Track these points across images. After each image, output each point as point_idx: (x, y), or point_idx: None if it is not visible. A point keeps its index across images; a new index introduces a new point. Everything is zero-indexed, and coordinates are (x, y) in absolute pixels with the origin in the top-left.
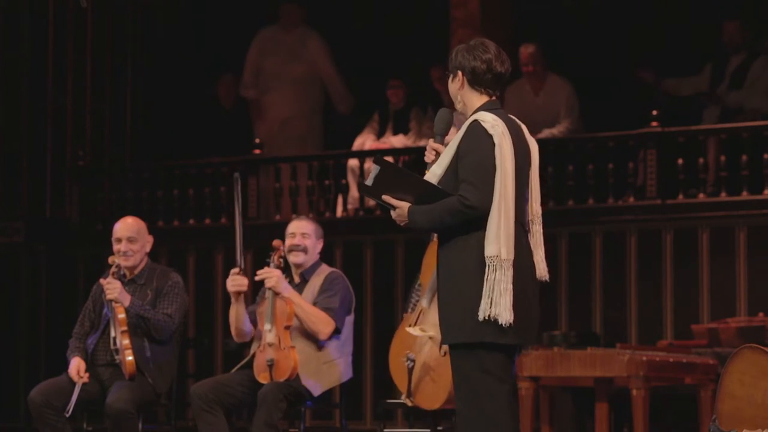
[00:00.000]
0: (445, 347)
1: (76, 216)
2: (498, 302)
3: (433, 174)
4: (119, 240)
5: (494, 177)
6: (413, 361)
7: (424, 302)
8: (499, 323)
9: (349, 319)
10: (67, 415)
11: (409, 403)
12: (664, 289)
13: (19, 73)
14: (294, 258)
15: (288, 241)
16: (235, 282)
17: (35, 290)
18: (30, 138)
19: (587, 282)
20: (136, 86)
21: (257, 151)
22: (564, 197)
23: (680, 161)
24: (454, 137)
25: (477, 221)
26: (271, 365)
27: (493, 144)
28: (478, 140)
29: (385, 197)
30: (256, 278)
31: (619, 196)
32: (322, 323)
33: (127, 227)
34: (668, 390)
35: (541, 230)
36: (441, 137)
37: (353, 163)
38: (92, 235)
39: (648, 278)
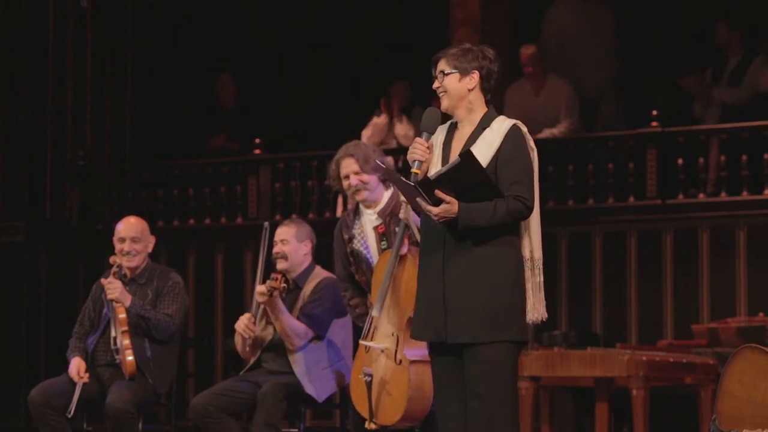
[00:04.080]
0: (401, 356)
1: (76, 216)
2: (542, 302)
3: None
4: (123, 240)
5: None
6: (371, 375)
7: (374, 312)
8: (540, 322)
9: (344, 322)
10: (70, 416)
11: (374, 427)
12: (664, 289)
13: (19, 72)
14: (278, 266)
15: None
16: (246, 332)
17: (35, 290)
18: (30, 138)
19: (587, 282)
20: (136, 86)
21: (257, 151)
22: (564, 197)
23: (680, 161)
24: (484, 139)
25: (516, 224)
26: None
27: (532, 149)
28: (523, 145)
29: (438, 192)
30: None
31: (619, 196)
32: (292, 336)
33: (130, 227)
34: (668, 390)
35: None
36: (429, 135)
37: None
38: (92, 235)
39: (648, 278)
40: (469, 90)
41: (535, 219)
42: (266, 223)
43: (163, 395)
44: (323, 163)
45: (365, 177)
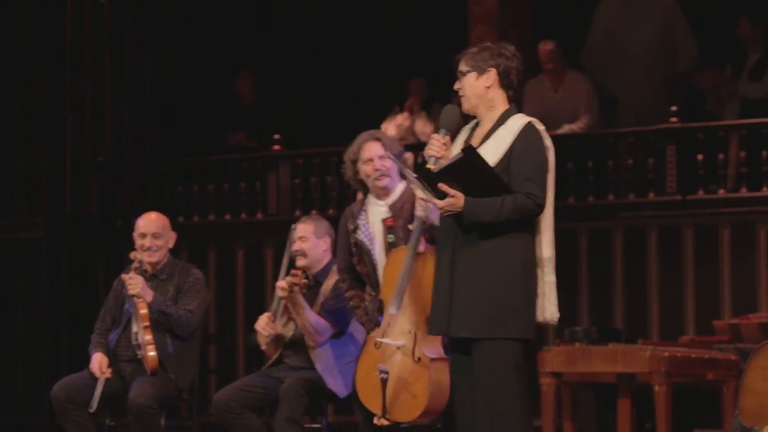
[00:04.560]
0: (420, 353)
1: (96, 211)
2: (554, 302)
3: None
4: (144, 235)
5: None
6: (387, 372)
7: (392, 309)
8: (548, 322)
9: None
10: (92, 411)
11: (386, 423)
12: (685, 284)
13: (38, 68)
14: (297, 263)
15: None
16: (265, 330)
17: (56, 286)
18: (50, 134)
19: (608, 278)
20: (155, 81)
21: (277, 147)
22: (584, 193)
23: (700, 157)
24: (497, 137)
25: (529, 221)
26: None
27: (548, 148)
28: (538, 142)
29: (442, 185)
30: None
31: (639, 192)
32: (312, 332)
33: (151, 222)
34: (690, 386)
35: None
36: (447, 131)
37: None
38: (112, 231)
39: (669, 274)
40: (487, 88)
41: (547, 217)
42: (293, 225)
43: (185, 391)
44: (342, 159)
45: (388, 163)
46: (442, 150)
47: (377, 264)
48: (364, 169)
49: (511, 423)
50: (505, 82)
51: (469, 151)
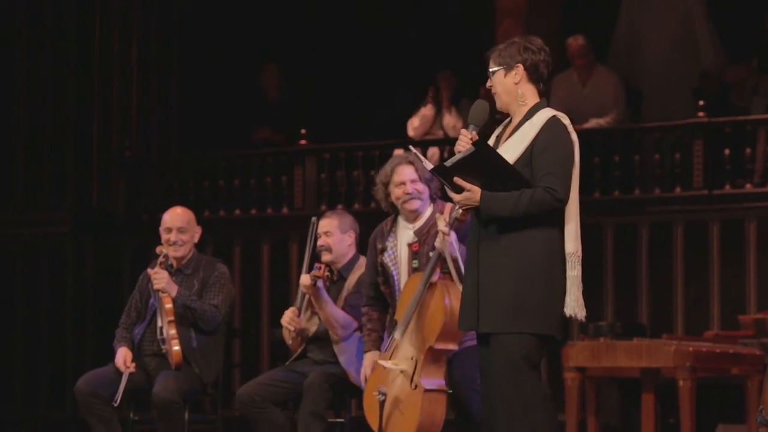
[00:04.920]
0: (417, 381)
1: (122, 206)
2: (578, 298)
3: None
4: (169, 230)
5: (572, 174)
6: (384, 395)
7: (396, 334)
8: (574, 319)
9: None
10: (115, 405)
11: None
12: (710, 279)
13: (66, 64)
14: (322, 257)
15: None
16: (291, 324)
17: (82, 280)
18: (76, 129)
19: (633, 272)
20: (181, 76)
21: (303, 142)
22: (610, 188)
23: (727, 151)
24: (522, 131)
25: (550, 215)
26: None
27: (573, 142)
28: (562, 136)
29: (457, 179)
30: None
31: (665, 187)
32: (336, 327)
33: (177, 217)
34: (715, 381)
35: None
36: (476, 127)
37: (398, 153)
38: (138, 226)
39: (694, 269)
40: (516, 84)
41: (572, 211)
42: (314, 218)
43: (210, 385)
44: (369, 153)
45: (420, 186)
46: (467, 145)
47: (400, 287)
48: (396, 192)
49: (525, 418)
50: (533, 76)
51: (481, 145)
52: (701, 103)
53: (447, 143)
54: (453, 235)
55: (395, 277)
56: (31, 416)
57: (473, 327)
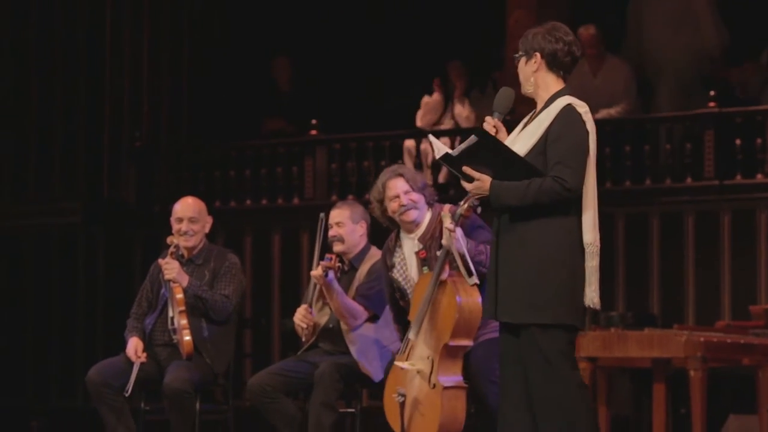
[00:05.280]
0: (435, 380)
1: (133, 197)
2: (592, 287)
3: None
4: (180, 220)
5: (586, 162)
6: (404, 396)
7: (410, 334)
8: (592, 308)
9: None
10: (126, 395)
11: None
12: (721, 269)
13: (77, 53)
14: (334, 248)
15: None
16: (303, 321)
17: (92, 271)
18: (87, 119)
19: (644, 263)
20: (192, 67)
21: (313, 132)
22: (621, 178)
23: (738, 142)
24: (539, 119)
25: (565, 204)
26: None
27: (587, 131)
28: (574, 124)
29: (465, 169)
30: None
31: (676, 177)
32: (347, 317)
33: (188, 207)
34: (726, 371)
35: None
36: (500, 114)
37: (409, 143)
38: (149, 216)
39: (705, 259)
40: (534, 72)
41: (588, 201)
42: (322, 214)
43: (221, 375)
44: (379, 143)
45: (414, 196)
46: (492, 133)
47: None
48: (391, 206)
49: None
50: (552, 64)
51: (482, 133)
52: (712, 93)
53: (457, 133)
54: (459, 231)
55: (407, 291)
56: (43, 406)
57: (492, 315)
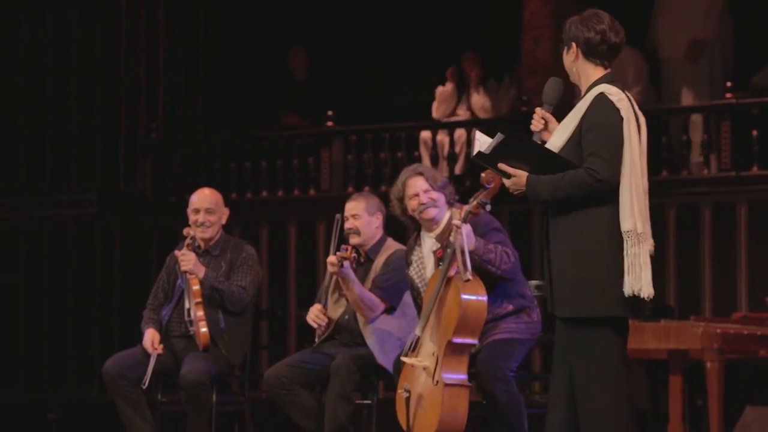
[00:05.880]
0: (438, 377)
1: (149, 188)
2: (640, 276)
3: (553, 145)
4: (197, 211)
5: (622, 151)
6: (408, 392)
7: (417, 330)
8: (641, 298)
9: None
10: (144, 387)
11: None
12: (738, 261)
13: (92, 45)
14: (351, 241)
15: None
16: (317, 320)
17: (109, 262)
18: (103, 110)
19: (661, 254)
20: (208, 58)
21: (330, 123)
22: None
23: (755, 133)
24: (575, 109)
25: (605, 195)
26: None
27: (621, 118)
28: (606, 113)
29: (501, 165)
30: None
31: (690, 169)
32: (364, 308)
33: (205, 198)
34: (742, 362)
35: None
36: (549, 106)
37: (425, 135)
38: (165, 207)
39: (722, 250)
40: (573, 61)
41: (624, 189)
42: (338, 215)
43: (237, 367)
44: (395, 135)
45: (434, 194)
46: (538, 125)
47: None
48: (411, 204)
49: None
50: (588, 53)
51: (508, 130)
52: (729, 84)
53: (474, 125)
54: (467, 228)
55: (421, 290)
56: (59, 398)
57: (550, 310)
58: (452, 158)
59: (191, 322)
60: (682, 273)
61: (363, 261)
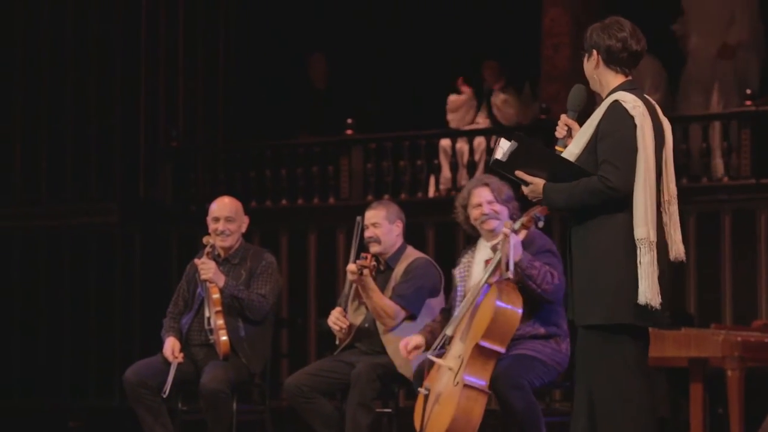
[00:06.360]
0: (459, 378)
1: (169, 196)
2: (651, 285)
3: (570, 153)
4: (217, 219)
5: (635, 158)
6: (428, 390)
7: (447, 330)
8: (651, 306)
9: (437, 301)
10: (165, 396)
11: None
12: (758, 268)
13: (112, 53)
14: (371, 249)
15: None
16: (338, 324)
17: (129, 270)
18: (123, 119)
19: (681, 262)
20: (228, 66)
21: (349, 131)
22: None
23: None
24: (592, 117)
25: (619, 202)
26: None
27: (635, 125)
28: (619, 121)
29: (518, 173)
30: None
31: (712, 176)
32: (384, 316)
33: (225, 207)
34: (764, 371)
35: (677, 210)
36: (574, 113)
37: (445, 143)
38: (185, 216)
39: (742, 258)
40: (594, 69)
41: (638, 196)
42: (359, 218)
43: (257, 375)
44: (415, 143)
45: (497, 207)
46: (561, 131)
47: (461, 300)
48: (473, 213)
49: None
50: (609, 61)
51: (520, 137)
52: (748, 91)
53: (493, 132)
54: (515, 239)
55: (458, 289)
56: (80, 406)
57: (570, 317)
58: (472, 166)
59: (211, 331)
60: (703, 281)
61: (383, 269)
